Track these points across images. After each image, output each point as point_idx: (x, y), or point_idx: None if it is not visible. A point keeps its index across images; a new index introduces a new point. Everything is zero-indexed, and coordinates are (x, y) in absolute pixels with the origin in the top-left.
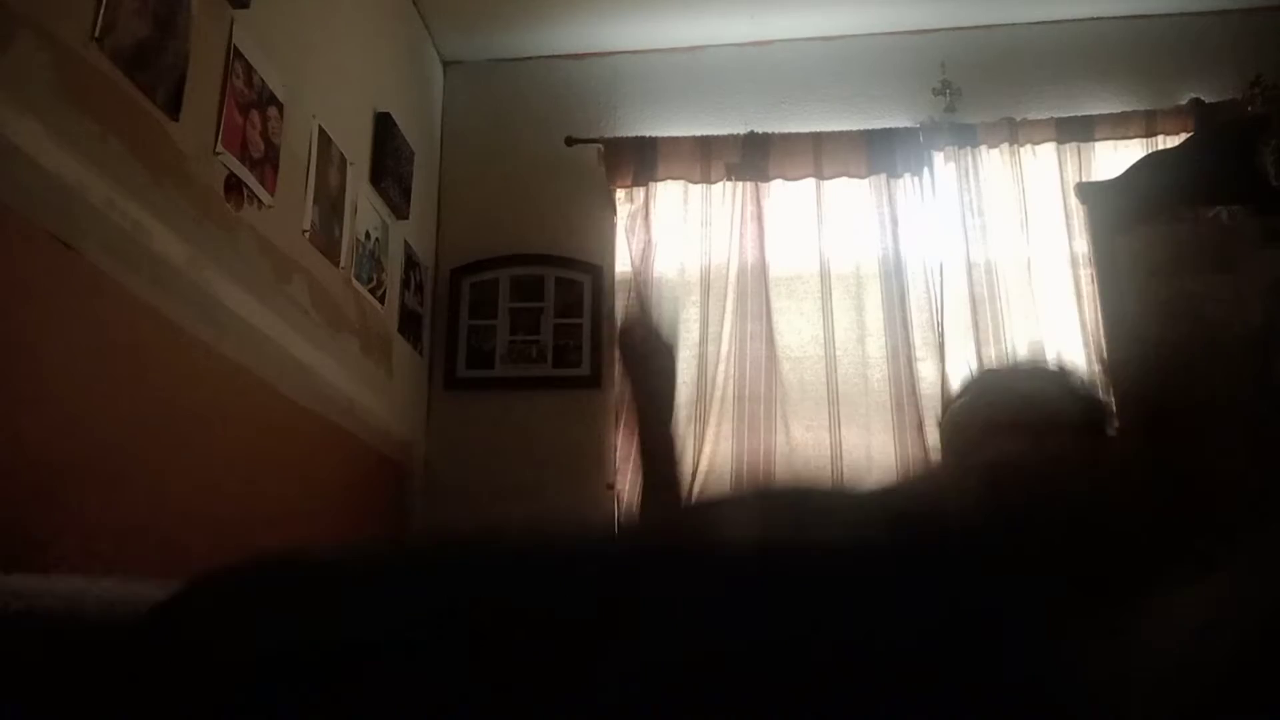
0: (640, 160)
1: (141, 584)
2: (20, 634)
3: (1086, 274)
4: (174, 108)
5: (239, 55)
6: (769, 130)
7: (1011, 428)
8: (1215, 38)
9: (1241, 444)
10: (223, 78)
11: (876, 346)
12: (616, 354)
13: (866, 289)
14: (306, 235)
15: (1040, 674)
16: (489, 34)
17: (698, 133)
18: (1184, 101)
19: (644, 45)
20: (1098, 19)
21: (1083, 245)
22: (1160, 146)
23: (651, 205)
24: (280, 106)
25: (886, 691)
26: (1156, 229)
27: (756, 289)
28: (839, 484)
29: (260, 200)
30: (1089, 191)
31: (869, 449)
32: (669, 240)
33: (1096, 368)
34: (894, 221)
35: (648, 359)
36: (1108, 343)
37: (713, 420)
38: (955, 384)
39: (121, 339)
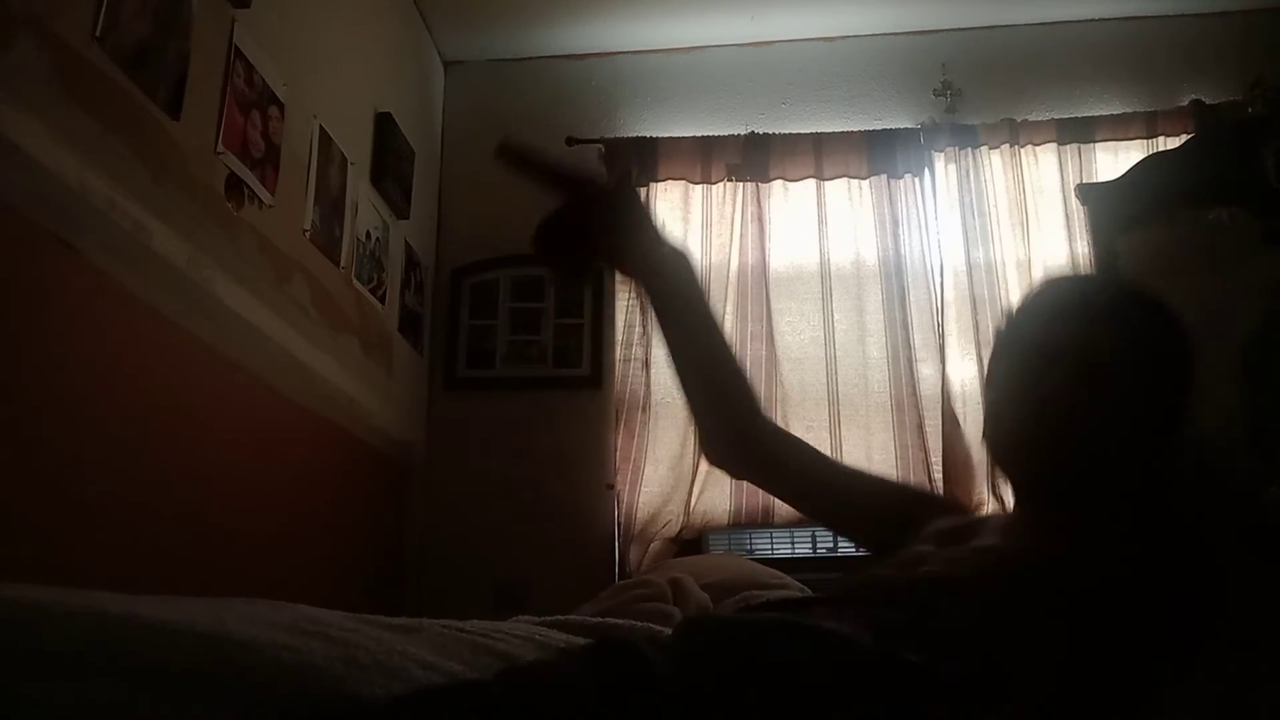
0: (641, 160)
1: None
2: None
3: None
4: (175, 107)
5: (240, 55)
6: (769, 131)
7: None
8: (1216, 39)
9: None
10: (223, 77)
11: (877, 347)
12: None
13: (866, 290)
14: (307, 235)
15: None
16: (490, 34)
17: (698, 133)
18: (1185, 103)
19: (644, 45)
20: (1098, 20)
21: (1083, 246)
22: (1161, 148)
23: (652, 205)
24: (281, 106)
25: None
26: (1157, 230)
27: (757, 289)
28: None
29: (261, 200)
30: (1090, 192)
31: (869, 449)
32: None
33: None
34: (894, 222)
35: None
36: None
37: None
38: (956, 385)
39: (121, 339)
